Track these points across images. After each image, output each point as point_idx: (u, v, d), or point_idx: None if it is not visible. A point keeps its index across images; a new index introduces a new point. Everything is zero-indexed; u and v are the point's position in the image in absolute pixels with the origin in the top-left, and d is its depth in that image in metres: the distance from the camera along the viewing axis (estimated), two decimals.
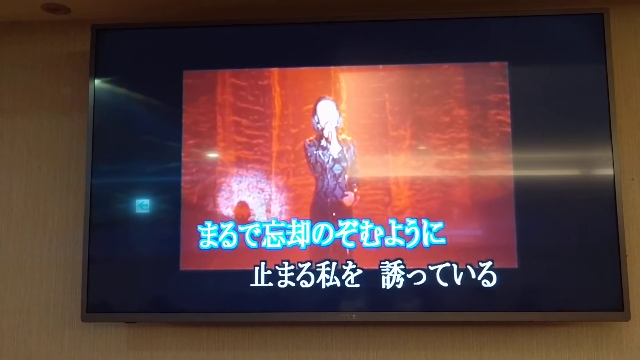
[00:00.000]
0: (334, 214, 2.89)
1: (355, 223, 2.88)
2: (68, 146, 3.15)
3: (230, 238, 2.90)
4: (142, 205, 2.95)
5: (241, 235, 2.90)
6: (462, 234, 2.85)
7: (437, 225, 2.84)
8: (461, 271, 2.81)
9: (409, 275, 2.82)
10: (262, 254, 2.88)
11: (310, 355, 2.97)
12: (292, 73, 2.99)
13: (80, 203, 3.00)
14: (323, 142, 2.95)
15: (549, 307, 2.80)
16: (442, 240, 2.83)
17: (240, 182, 2.95)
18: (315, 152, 2.94)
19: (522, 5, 3.02)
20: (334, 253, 2.86)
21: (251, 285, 2.86)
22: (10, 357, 3.07)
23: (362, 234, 2.87)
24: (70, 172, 3.13)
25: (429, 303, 2.84)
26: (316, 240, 2.88)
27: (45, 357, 3.06)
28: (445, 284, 2.81)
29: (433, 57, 2.95)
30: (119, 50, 3.07)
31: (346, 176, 2.92)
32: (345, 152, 2.94)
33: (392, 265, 2.83)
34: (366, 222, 2.87)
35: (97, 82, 3.02)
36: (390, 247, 2.85)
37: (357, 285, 2.84)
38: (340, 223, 2.88)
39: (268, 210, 2.92)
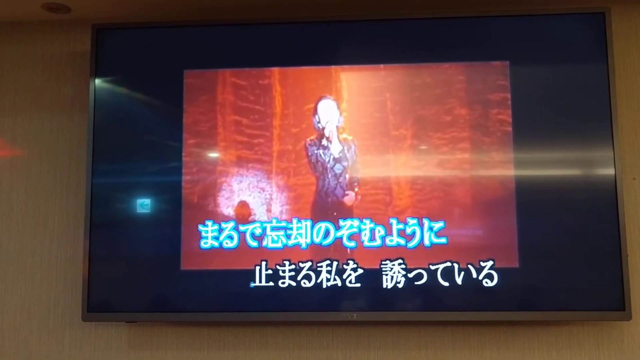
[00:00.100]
0: (334, 214, 2.89)
1: (356, 222, 2.87)
2: (68, 146, 3.15)
3: (231, 237, 2.90)
4: (143, 205, 2.95)
5: (242, 235, 2.90)
6: (463, 234, 2.84)
7: (438, 225, 2.84)
8: (462, 271, 2.81)
9: (410, 275, 2.82)
10: (262, 253, 2.88)
11: (311, 354, 2.97)
12: (293, 72, 2.99)
13: (81, 203, 2.99)
14: (324, 142, 2.94)
15: (550, 307, 2.80)
16: (443, 240, 2.83)
17: (241, 181, 2.95)
18: (316, 151, 2.94)
19: (524, 5, 3.01)
20: (335, 252, 2.86)
21: (252, 284, 2.86)
22: (10, 356, 3.07)
23: (363, 234, 2.86)
24: (71, 172, 3.12)
25: (429, 303, 2.84)
26: (317, 240, 2.87)
27: (46, 356, 3.06)
28: (446, 284, 2.81)
29: (434, 56, 2.95)
30: (120, 50, 3.06)
31: (347, 176, 2.92)
32: (346, 151, 2.93)
33: (393, 265, 2.83)
34: (367, 221, 2.87)
35: (97, 81, 3.01)
36: (391, 246, 2.85)
37: (358, 285, 2.84)
38: (341, 222, 2.88)
39: (269, 210, 2.92)
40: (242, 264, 2.88)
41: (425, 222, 2.85)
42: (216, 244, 2.90)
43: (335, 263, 2.85)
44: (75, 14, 3.12)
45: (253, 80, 2.98)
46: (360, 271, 2.84)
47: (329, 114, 2.95)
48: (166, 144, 2.99)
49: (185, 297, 2.91)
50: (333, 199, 2.91)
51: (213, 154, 2.98)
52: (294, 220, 2.89)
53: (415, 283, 2.82)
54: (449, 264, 2.81)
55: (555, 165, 2.89)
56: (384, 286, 2.82)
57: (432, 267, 2.82)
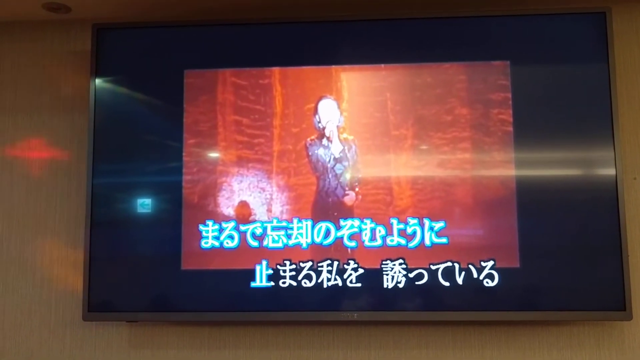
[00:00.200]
0: (335, 214, 2.89)
1: (356, 222, 2.87)
2: (69, 145, 3.15)
3: (231, 237, 2.90)
4: (144, 204, 2.95)
5: (242, 235, 2.90)
6: (463, 234, 2.84)
7: (438, 225, 2.84)
8: (463, 270, 2.81)
9: (411, 275, 2.82)
10: (263, 253, 2.88)
11: (312, 354, 2.97)
12: (293, 72, 2.98)
13: (82, 202, 2.99)
14: (324, 142, 2.94)
15: (551, 307, 2.80)
16: (444, 240, 2.83)
17: (241, 181, 2.94)
18: (316, 151, 2.94)
19: (524, 4, 3.01)
20: (336, 252, 2.86)
21: (252, 284, 2.86)
22: (11, 356, 3.07)
23: (363, 234, 2.86)
24: (71, 172, 3.12)
25: (430, 302, 2.84)
26: (317, 240, 2.87)
27: (47, 356, 3.06)
28: (447, 284, 2.81)
29: (435, 56, 2.95)
30: (120, 50, 3.06)
31: (348, 175, 2.92)
32: (346, 151, 2.93)
33: (394, 265, 2.83)
34: (368, 221, 2.87)
35: (98, 81, 3.01)
36: (392, 246, 2.84)
37: (359, 285, 2.84)
38: (342, 222, 2.88)
39: (269, 210, 2.92)
40: (242, 263, 2.88)
41: (426, 222, 2.85)
42: (217, 243, 2.90)
43: (335, 263, 2.85)
44: (75, 13, 3.12)
45: (253, 80, 2.98)
46: (360, 271, 2.84)
47: (329, 113, 2.95)
48: (166, 144, 2.98)
49: (185, 297, 2.91)
50: (334, 198, 2.91)
51: (213, 154, 2.98)
52: (295, 220, 2.89)
53: (416, 283, 2.82)
54: (449, 263, 2.81)
55: (556, 165, 2.88)
56: (385, 286, 2.82)
57: (433, 267, 2.82)
